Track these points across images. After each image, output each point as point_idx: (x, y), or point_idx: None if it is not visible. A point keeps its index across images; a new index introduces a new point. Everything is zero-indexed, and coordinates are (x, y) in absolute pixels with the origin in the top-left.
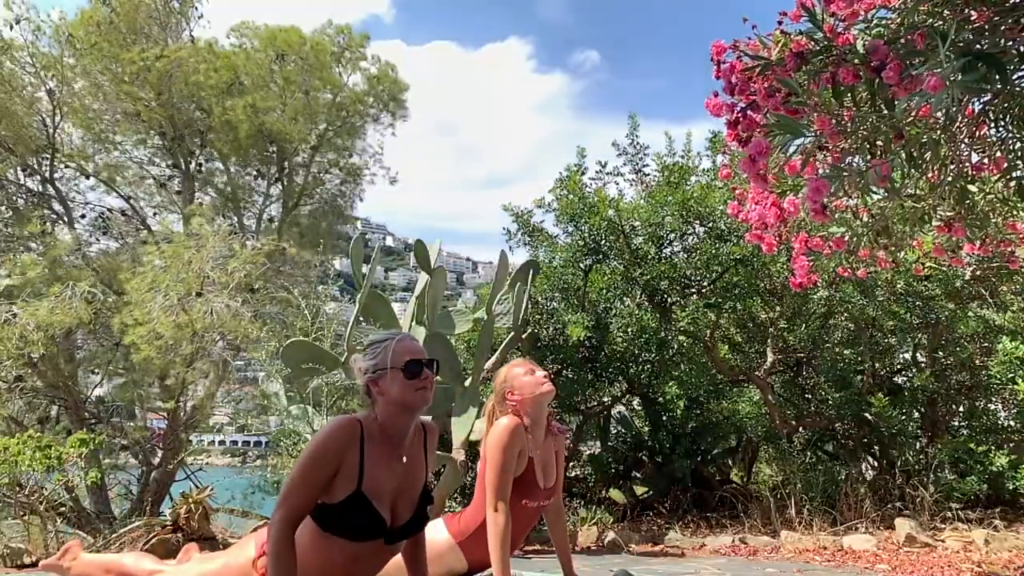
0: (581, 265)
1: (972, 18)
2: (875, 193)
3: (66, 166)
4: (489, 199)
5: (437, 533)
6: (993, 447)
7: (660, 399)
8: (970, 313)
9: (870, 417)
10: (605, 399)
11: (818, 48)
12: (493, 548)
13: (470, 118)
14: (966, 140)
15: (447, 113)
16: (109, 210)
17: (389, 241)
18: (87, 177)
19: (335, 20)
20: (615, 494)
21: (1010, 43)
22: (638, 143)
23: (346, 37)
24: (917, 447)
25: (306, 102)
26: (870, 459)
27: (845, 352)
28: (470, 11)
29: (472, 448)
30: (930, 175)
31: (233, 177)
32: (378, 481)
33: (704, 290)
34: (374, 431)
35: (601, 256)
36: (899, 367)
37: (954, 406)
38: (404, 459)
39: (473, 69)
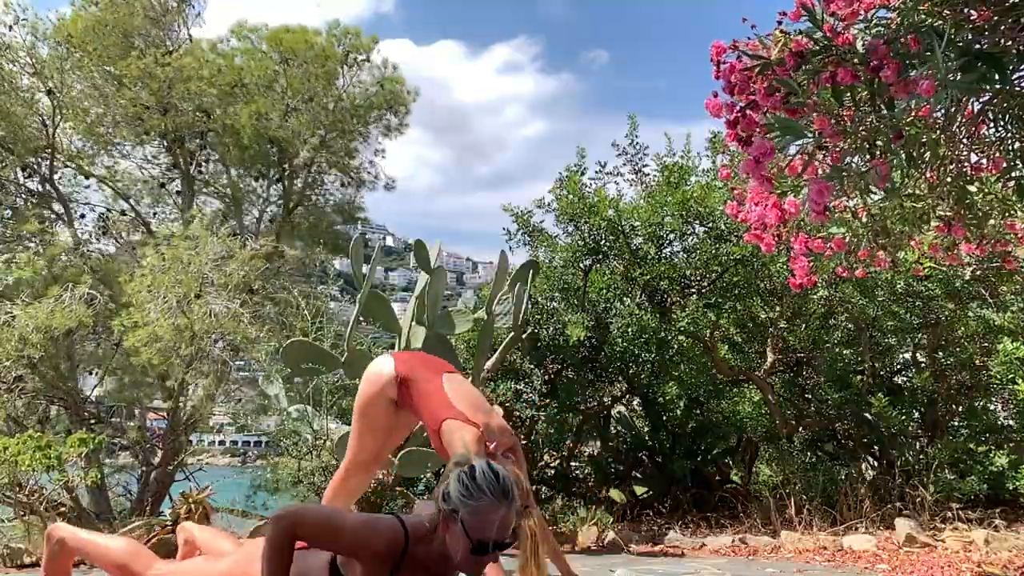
0: (581, 265)
1: (972, 17)
2: (874, 193)
3: (66, 166)
4: (491, 199)
5: None
6: (993, 447)
7: (660, 399)
8: (970, 313)
9: (870, 417)
10: (605, 399)
11: (818, 48)
12: None
13: (475, 117)
14: (965, 140)
15: (453, 112)
16: (108, 211)
17: (389, 241)
18: (86, 178)
19: (341, 19)
20: (615, 494)
21: (1010, 42)
22: (637, 143)
23: (354, 38)
24: (917, 447)
25: (310, 107)
26: (870, 459)
27: (845, 352)
28: (479, 10)
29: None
30: (929, 175)
31: (233, 179)
32: None
33: (704, 290)
34: (419, 551)
35: (601, 256)
36: (899, 367)
37: (954, 406)
38: None
39: (480, 68)
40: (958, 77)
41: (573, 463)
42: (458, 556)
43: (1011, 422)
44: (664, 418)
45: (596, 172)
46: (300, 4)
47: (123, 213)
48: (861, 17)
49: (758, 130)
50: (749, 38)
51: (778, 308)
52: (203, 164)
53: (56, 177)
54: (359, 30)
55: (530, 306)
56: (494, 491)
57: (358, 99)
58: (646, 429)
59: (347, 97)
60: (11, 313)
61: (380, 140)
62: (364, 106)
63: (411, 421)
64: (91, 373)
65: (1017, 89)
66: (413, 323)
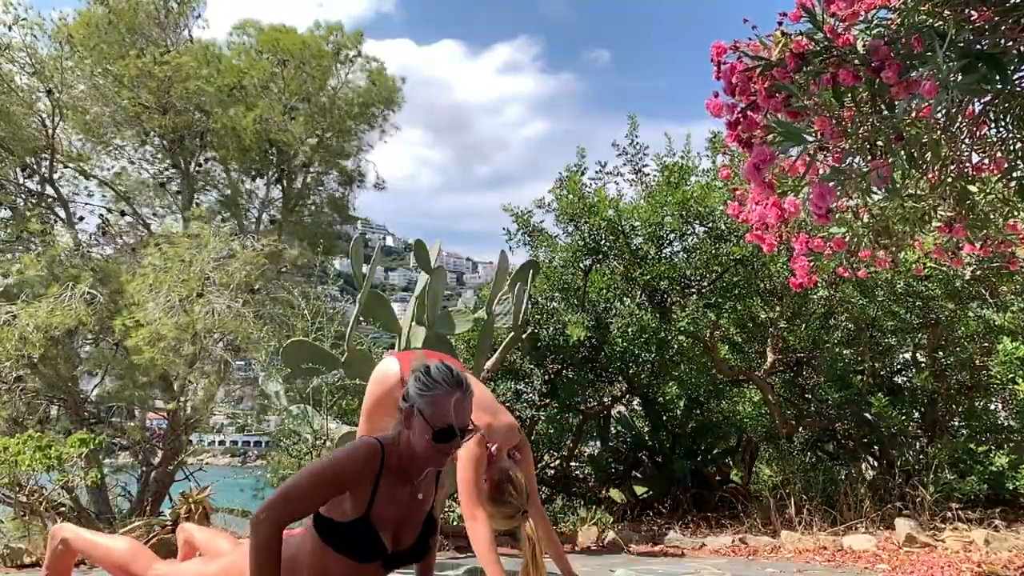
0: (581, 265)
1: (972, 18)
2: (875, 193)
3: (65, 167)
4: (491, 199)
5: None
6: (993, 447)
7: (660, 399)
8: (970, 313)
9: (870, 417)
10: (605, 399)
11: (818, 49)
12: (482, 553)
13: (475, 117)
14: (966, 140)
15: (453, 112)
16: (108, 211)
17: (389, 241)
18: (86, 178)
19: (343, 19)
20: (615, 494)
21: (1010, 43)
22: (638, 143)
23: (339, 35)
24: (917, 447)
25: (307, 107)
26: (870, 459)
27: (845, 352)
28: (479, 10)
29: None
30: (930, 175)
31: (233, 178)
32: (386, 510)
33: (704, 290)
34: (392, 459)
35: (601, 256)
36: (899, 367)
37: (954, 406)
38: (413, 491)
39: (481, 68)
40: (959, 78)
41: (573, 463)
42: (420, 449)
43: (1011, 422)
44: (664, 418)
45: (596, 172)
46: (301, 4)
47: (123, 214)
48: (862, 18)
49: (759, 131)
50: (750, 39)
51: (778, 308)
52: (202, 164)
53: (56, 177)
54: (341, 26)
55: (530, 306)
56: (448, 380)
57: (352, 96)
58: (646, 429)
59: (342, 96)
60: (11, 313)
61: (373, 138)
62: (359, 103)
63: None
64: (91, 373)
65: (1018, 89)
66: (413, 323)
